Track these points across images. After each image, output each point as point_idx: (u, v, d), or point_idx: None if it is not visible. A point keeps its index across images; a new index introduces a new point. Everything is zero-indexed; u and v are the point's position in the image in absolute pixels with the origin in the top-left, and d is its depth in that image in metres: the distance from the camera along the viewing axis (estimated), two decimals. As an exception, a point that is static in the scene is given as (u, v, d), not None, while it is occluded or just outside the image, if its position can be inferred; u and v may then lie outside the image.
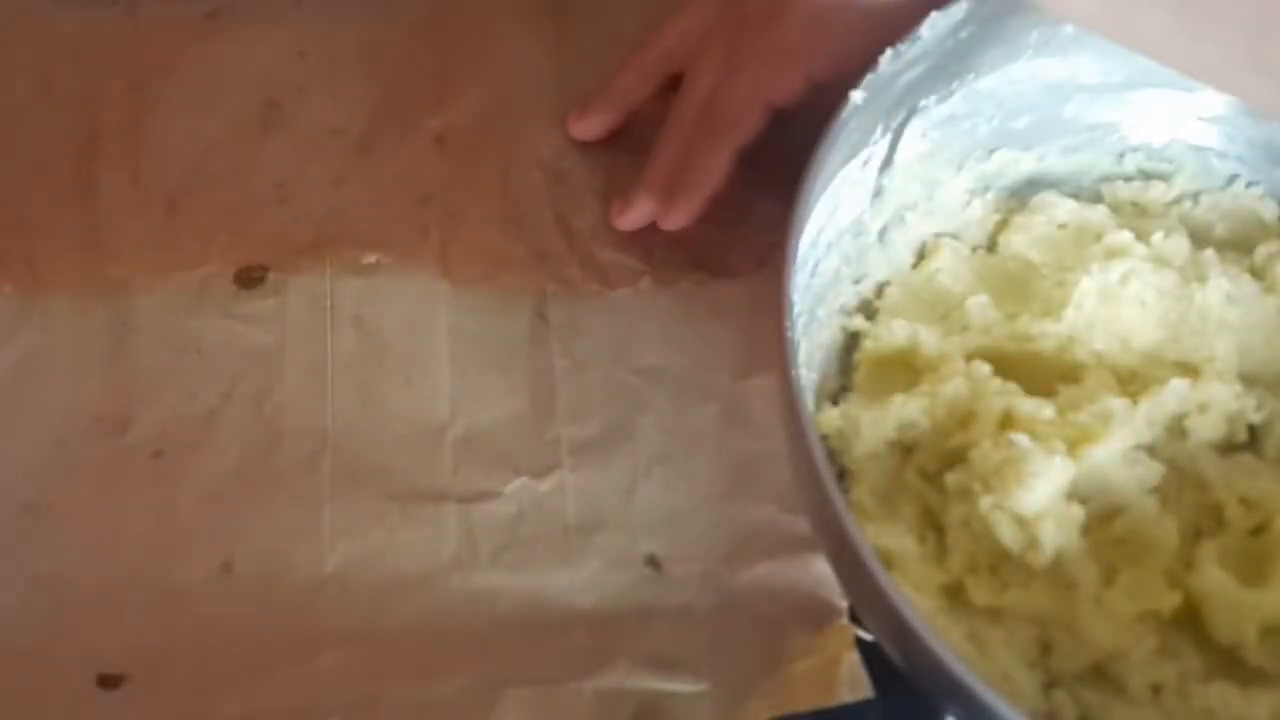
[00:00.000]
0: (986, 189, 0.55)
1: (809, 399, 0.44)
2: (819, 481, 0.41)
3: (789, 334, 0.43)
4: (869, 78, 0.46)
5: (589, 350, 0.56)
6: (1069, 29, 0.50)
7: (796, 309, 0.44)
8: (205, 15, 0.61)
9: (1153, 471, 0.49)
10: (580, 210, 0.58)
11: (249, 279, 0.57)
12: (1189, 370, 0.50)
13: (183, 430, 0.54)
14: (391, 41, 0.61)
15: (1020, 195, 0.56)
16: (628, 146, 0.59)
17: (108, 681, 0.50)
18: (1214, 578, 0.47)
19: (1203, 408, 0.50)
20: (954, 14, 0.48)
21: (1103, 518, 0.48)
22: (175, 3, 0.61)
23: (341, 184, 0.59)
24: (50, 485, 0.53)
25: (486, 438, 0.55)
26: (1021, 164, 0.55)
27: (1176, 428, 0.50)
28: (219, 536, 0.53)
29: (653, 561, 0.52)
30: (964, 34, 0.48)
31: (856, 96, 0.46)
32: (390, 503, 0.53)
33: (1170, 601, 0.47)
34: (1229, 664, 0.47)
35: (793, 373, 0.42)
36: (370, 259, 0.57)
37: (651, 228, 0.57)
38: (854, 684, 0.49)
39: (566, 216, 0.58)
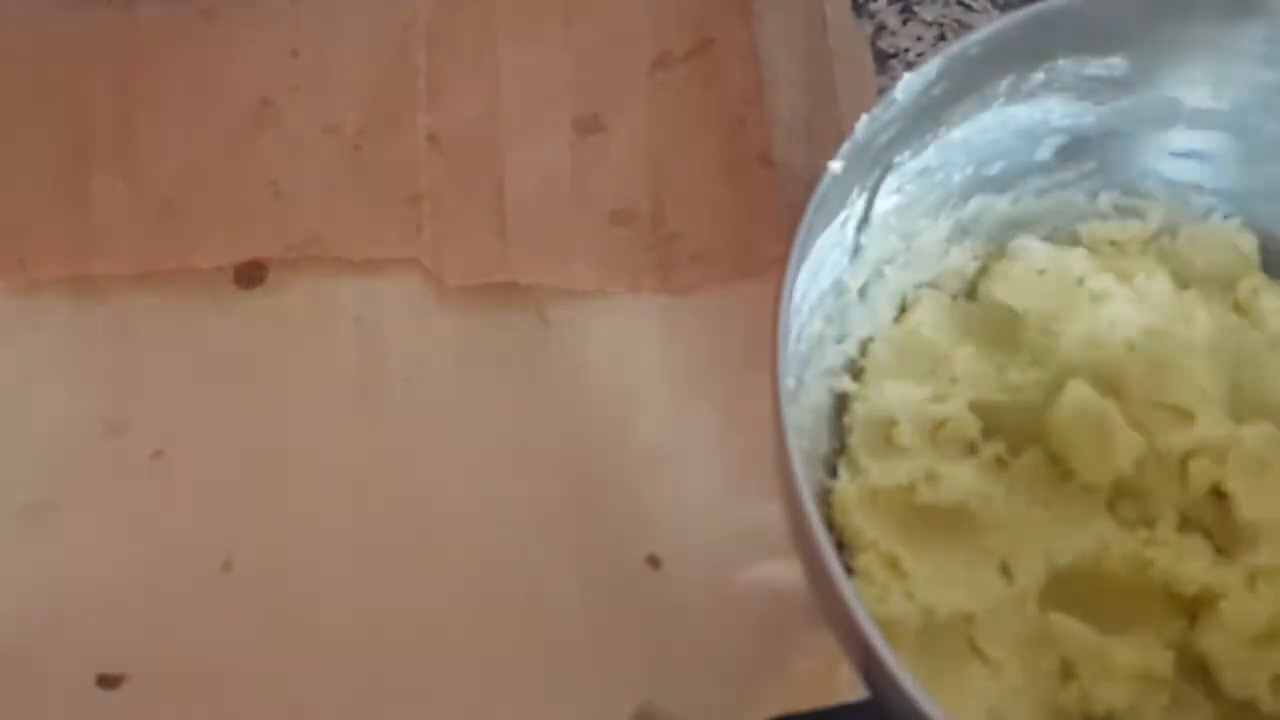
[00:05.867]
0: (964, 235, 0.55)
1: (804, 467, 0.43)
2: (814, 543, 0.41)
3: (782, 409, 0.42)
4: (846, 146, 0.45)
5: (589, 350, 0.56)
6: (1040, 75, 0.50)
7: (786, 379, 0.44)
8: (200, 13, 0.61)
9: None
10: (580, 211, 0.58)
11: (249, 278, 0.57)
12: (1182, 414, 0.50)
13: (183, 430, 0.54)
14: (386, 39, 0.61)
15: (998, 239, 0.55)
16: (628, 146, 0.59)
17: (108, 681, 0.50)
18: (1217, 640, 0.47)
19: (1201, 450, 0.50)
20: (926, 73, 0.47)
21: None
22: (171, 1, 0.61)
23: (334, 182, 0.59)
24: (50, 485, 0.53)
25: (486, 437, 0.55)
26: (997, 207, 0.54)
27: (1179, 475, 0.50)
28: (219, 536, 0.53)
29: (653, 561, 0.53)
30: (936, 91, 0.48)
31: (835, 167, 0.45)
32: (390, 501, 0.53)
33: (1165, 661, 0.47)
34: (1244, 714, 0.47)
35: (790, 447, 0.42)
36: (362, 256, 0.57)
37: (648, 231, 0.57)
38: (854, 684, 0.49)
39: (566, 217, 0.58)
